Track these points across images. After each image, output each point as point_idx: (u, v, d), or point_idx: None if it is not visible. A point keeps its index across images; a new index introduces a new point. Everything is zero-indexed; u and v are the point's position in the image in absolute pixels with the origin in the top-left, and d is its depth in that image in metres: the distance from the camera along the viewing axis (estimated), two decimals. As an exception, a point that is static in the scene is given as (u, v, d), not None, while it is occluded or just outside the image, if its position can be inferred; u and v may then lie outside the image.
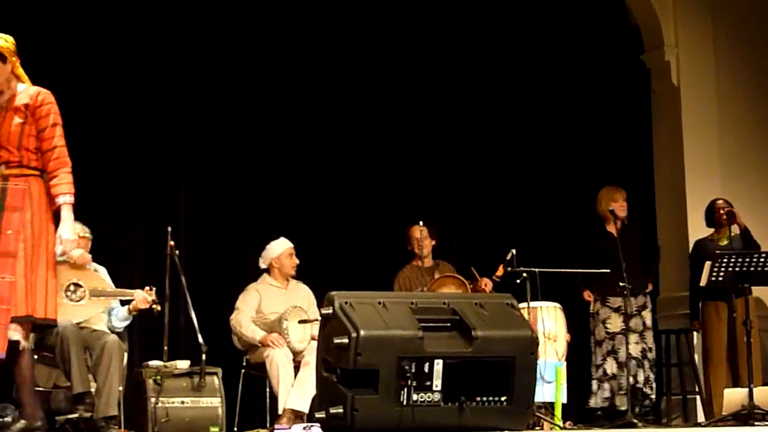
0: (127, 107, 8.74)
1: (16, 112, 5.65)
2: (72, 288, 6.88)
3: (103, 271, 7.21)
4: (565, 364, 7.88)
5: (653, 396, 8.69)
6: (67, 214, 5.61)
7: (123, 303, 7.31)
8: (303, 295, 8.27)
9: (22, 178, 5.61)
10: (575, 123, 10.00)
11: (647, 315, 8.65)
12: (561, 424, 7.35)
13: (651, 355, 8.62)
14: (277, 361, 7.70)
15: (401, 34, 9.63)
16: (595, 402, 8.54)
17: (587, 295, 8.65)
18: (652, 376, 8.58)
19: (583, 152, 9.97)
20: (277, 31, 9.27)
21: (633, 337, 8.45)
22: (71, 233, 5.61)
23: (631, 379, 8.31)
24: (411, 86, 9.66)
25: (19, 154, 5.62)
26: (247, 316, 8.01)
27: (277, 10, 9.23)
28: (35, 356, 6.79)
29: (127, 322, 7.29)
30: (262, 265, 8.32)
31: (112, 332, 7.02)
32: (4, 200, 5.54)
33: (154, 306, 7.14)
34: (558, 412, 7.37)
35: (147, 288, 7.19)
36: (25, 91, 5.69)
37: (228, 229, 9.04)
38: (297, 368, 7.78)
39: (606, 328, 8.54)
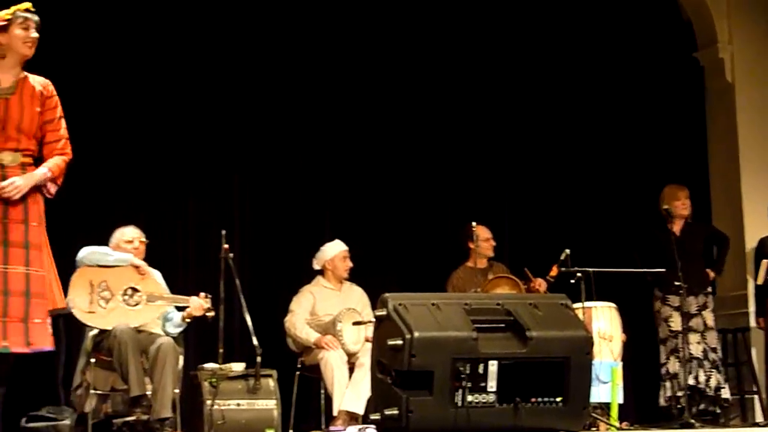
0: (181, 112, 8.80)
1: (32, 99, 5.59)
2: (129, 292, 6.94)
3: (158, 275, 7.26)
4: (620, 364, 7.83)
5: (727, 396, 8.58)
6: (38, 177, 5.58)
7: (178, 309, 7.36)
8: (357, 296, 8.29)
9: (32, 167, 5.59)
10: (629, 121, 9.94)
11: (708, 315, 8.57)
12: (617, 424, 7.31)
13: (713, 356, 8.53)
14: (332, 363, 7.71)
15: (458, 32, 9.64)
16: (661, 401, 8.49)
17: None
18: (715, 377, 8.48)
19: (638, 150, 9.91)
20: (327, 35, 9.30)
21: (694, 337, 8.40)
22: (20, 182, 5.49)
23: (691, 380, 8.25)
24: (464, 85, 9.66)
25: (33, 143, 5.60)
26: (301, 318, 8.03)
27: (327, 12, 9.26)
28: (92, 359, 6.87)
29: (181, 329, 7.32)
30: (316, 266, 8.35)
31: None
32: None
33: (208, 313, 7.18)
34: (614, 412, 7.33)
35: (203, 295, 7.23)
36: (31, 77, 5.63)
37: (282, 231, 9.07)
38: (351, 370, 7.79)
39: (669, 326, 8.49)
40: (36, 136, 5.60)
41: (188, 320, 7.26)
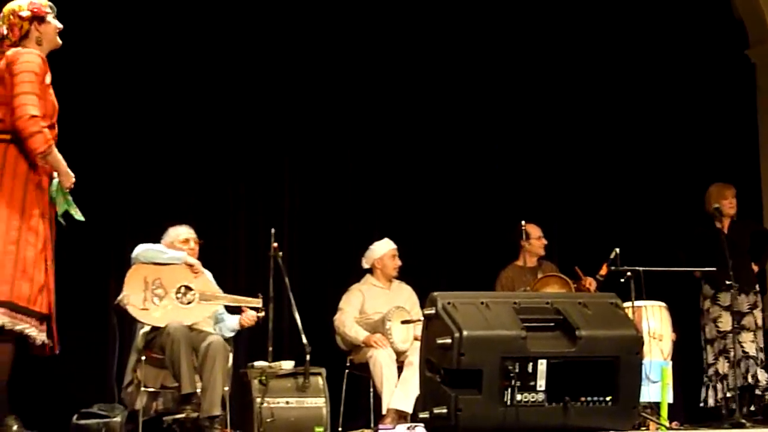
0: (232, 111, 8.85)
1: None
2: (183, 290, 6.98)
3: (208, 275, 7.31)
4: (670, 363, 7.79)
5: None
6: None
7: (228, 309, 7.41)
8: (406, 295, 8.29)
9: None
10: (679, 119, 9.87)
11: (758, 314, 8.52)
12: (667, 424, 7.27)
13: (762, 355, 8.47)
14: (381, 361, 7.72)
15: (511, 33, 9.62)
16: (708, 402, 8.43)
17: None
18: (763, 376, 8.42)
19: (688, 149, 9.84)
20: (375, 33, 9.31)
21: (747, 336, 8.35)
22: None
23: (749, 378, 8.20)
24: (513, 84, 9.64)
25: None
26: (350, 316, 8.05)
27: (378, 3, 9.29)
28: (143, 357, 6.93)
29: (234, 333, 7.39)
30: (365, 265, 8.37)
31: (220, 337, 7.12)
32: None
33: (258, 313, 7.22)
34: (664, 412, 7.29)
35: (255, 299, 7.26)
36: None
37: (331, 230, 9.11)
38: (400, 368, 7.79)
39: (717, 326, 8.43)
40: None
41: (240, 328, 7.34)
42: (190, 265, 7.06)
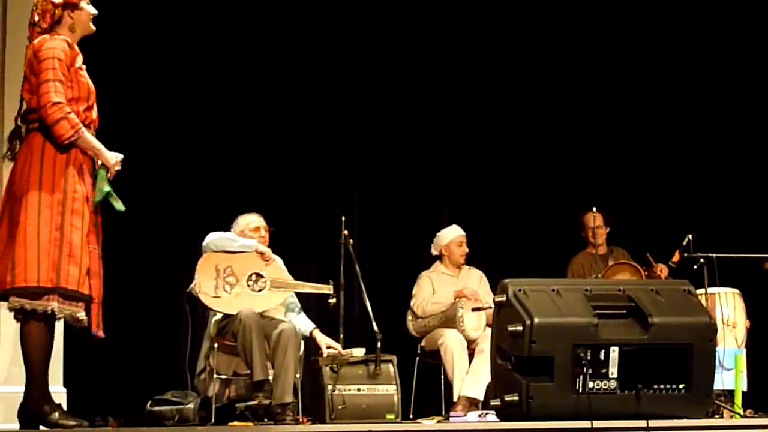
0: (300, 102, 8.89)
1: None
2: (254, 278, 7.02)
3: (279, 262, 7.34)
4: (744, 351, 7.71)
5: None
6: None
7: (300, 296, 7.45)
8: (475, 280, 8.27)
9: None
10: (753, 105, 9.71)
11: None
12: (741, 411, 7.19)
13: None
14: (452, 348, 7.71)
15: (571, 29, 9.55)
16: None
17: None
18: None
19: (763, 135, 9.69)
20: (437, 32, 9.31)
21: None
22: None
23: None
24: (583, 71, 9.56)
25: None
26: (426, 300, 8.06)
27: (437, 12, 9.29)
28: (216, 344, 6.98)
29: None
30: (434, 251, 8.37)
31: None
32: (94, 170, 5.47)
33: (330, 300, 7.24)
34: (738, 400, 7.21)
35: (326, 285, 7.28)
36: None
37: (401, 217, 9.11)
38: (471, 356, 7.78)
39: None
40: None
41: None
42: (261, 253, 7.10)
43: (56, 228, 5.15)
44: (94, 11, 5.48)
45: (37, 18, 5.38)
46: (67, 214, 5.19)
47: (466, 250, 8.31)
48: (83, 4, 5.43)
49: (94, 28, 5.50)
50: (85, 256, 5.22)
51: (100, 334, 5.37)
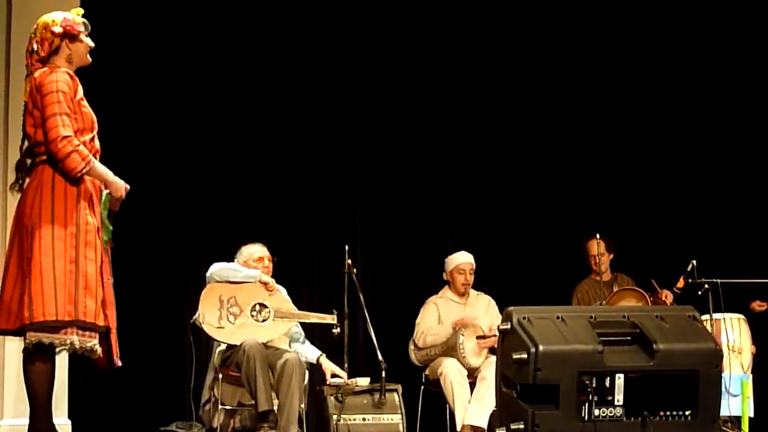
0: (302, 129, 8.91)
1: None
2: (257, 308, 7.03)
3: (282, 291, 7.34)
4: (751, 376, 7.69)
5: None
6: None
7: (304, 326, 7.44)
8: (483, 307, 8.24)
9: None
10: (757, 129, 9.71)
11: None
12: (748, 438, 7.18)
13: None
14: (450, 377, 7.69)
15: (576, 47, 9.57)
16: None
17: (757, 305, 8.40)
18: None
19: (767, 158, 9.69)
20: (441, 51, 9.32)
21: None
22: None
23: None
24: (586, 97, 9.56)
25: None
26: (426, 332, 8.04)
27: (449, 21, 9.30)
28: (220, 375, 6.97)
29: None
30: (444, 276, 8.35)
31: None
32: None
33: (334, 330, 7.24)
34: (745, 426, 7.20)
35: (330, 315, 7.27)
36: None
37: (404, 245, 9.10)
38: (474, 383, 7.76)
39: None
40: None
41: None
42: (265, 283, 7.10)
43: (71, 261, 5.15)
44: (91, 44, 5.48)
45: (35, 46, 5.37)
46: (81, 246, 5.18)
47: (470, 279, 8.26)
48: (82, 36, 5.43)
49: (91, 60, 5.50)
50: (99, 288, 5.22)
51: (119, 363, 5.37)
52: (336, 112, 9.02)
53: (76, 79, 5.38)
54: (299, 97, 8.91)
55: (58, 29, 5.35)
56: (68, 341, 5.10)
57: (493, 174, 9.38)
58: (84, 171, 5.21)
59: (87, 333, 5.15)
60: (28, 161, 5.37)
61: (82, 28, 5.43)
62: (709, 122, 9.66)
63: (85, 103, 5.39)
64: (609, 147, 9.61)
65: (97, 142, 5.43)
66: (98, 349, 5.21)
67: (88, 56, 5.49)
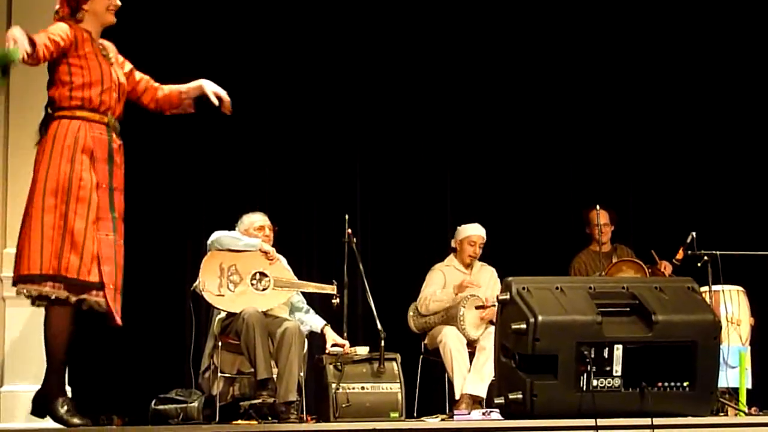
0: (302, 98, 8.89)
1: (122, 67, 5.63)
2: (258, 277, 7.03)
3: (283, 260, 7.35)
4: (749, 348, 7.70)
5: None
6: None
7: (305, 295, 7.45)
8: (486, 276, 8.24)
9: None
10: (754, 100, 9.69)
11: None
12: (746, 409, 7.19)
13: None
14: (450, 346, 7.70)
15: (579, 26, 9.55)
16: None
17: None
18: None
19: (766, 130, 9.67)
20: (447, 27, 9.30)
21: None
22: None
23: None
24: (586, 69, 9.55)
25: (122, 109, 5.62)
26: (430, 297, 8.04)
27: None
28: (219, 343, 6.99)
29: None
30: (452, 243, 8.34)
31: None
32: (113, 156, 5.47)
33: (333, 300, 7.24)
34: (742, 397, 7.22)
35: (330, 285, 7.28)
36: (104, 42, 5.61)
37: (404, 215, 9.11)
38: (473, 353, 7.77)
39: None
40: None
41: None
42: (265, 252, 7.10)
43: (60, 216, 5.20)
44: (112, 2, 5.48)
45: (57, 6, 5.44)
46: (72, 202, 5.22)
47: (478, 252, 8.24)
48: None
49: (114, 20, 5.50)
50: (90, 243, 5.23)
51: (118, 321, 5.38)
52: (336, 81, 9.00)
53: (86, 34, 5.39)
54: (299, 66, 8.89)
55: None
56: (53, 295, 5.16)
57: (494, 145, 9.37)
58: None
59: (72, 288, 5.18)
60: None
61: None
62: (710, 95, 9.65)
63: (94, 57, 5.39)
64: (609, 119, 9.60)
65: (112, 98, 5.42)
66: (100, 301, 5.24)
67: (109, 15, 5.48)
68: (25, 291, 5.20)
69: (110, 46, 5.62)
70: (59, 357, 5.30)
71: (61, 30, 5.28)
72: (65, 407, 5.28)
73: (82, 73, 5.33)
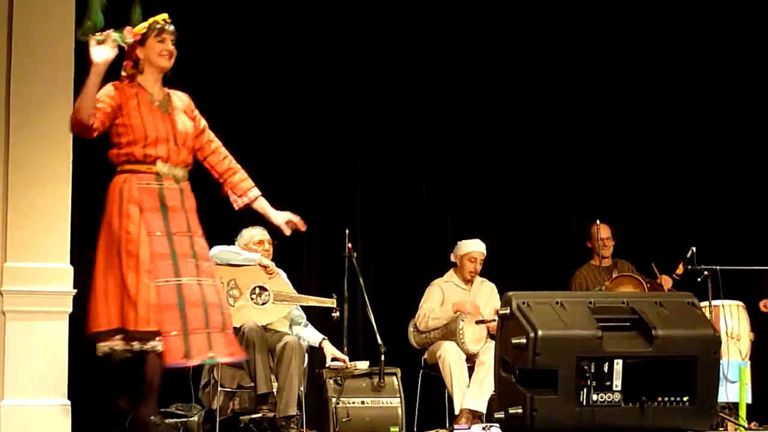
0: (303, 110, 8.89)
1: (183, 113, 5.61)
2: (257, 291, 7.04)
3: (282, 274, 7.35)
4: (749, 363, 7.70)
5: None
6: (266, 203, 5.85)
7: (304, 309, 7.45)
8: (486, 294, 8.25)
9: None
10: (755, 115, 9.70)
11: None
12: (746, 424, 7.19)
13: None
14: (449, 361, 7.70)
15: (586, 37, 9.57)
16: None
17: (763, 306, 8.37)
18: None
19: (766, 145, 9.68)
20: (445, 31, 9.31)
21: None
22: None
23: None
24: (585, 83, 9.56)
25: (191, 156, 5.64)
26: (429, 315, 8.04)
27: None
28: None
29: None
30: (452, 258, 8.34)
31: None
32: (185, 202, 5.56)
33: (333, 314, 7.25)
34: (742, 412, 7.21)
35: (330, 299, 7.29)
36: (171, 91, 5.62)
37: (404, 230, 9.11)
38: (472, 368, 7.77)
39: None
40: (190, 151, 5.62)
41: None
42: (265, 267, 7.11)
43: (117, 270, 5.26)
44: (163, 47, 5.45)
45: (124, 64, 5.49)
46: (123, 255, 5.26)
47: (479, 268, 8.24)
48: (150, 40, 5.44)
49: (167, 65, 5.47)
50: (146, 293, 5.23)
51: (185, 363, 5.45)
52: (336, 93, 9.00)
53: (135, 87, 5.43)
54: (298, 77, 8.87)
55: (130, 40, 5.37)
56: (119, 347, 5.28)
57: (494, 160, 9.38)
58: (76, 124, 5.25)
59: (135, 339, 5.24)
60: None
61: (146, 32, 5.42)
62: (710, 110, 9.66)
63: (138, 113, 5.40)
64: (610, 133, 9.61)
65: (157, 149, 5.42)
66: (157, 348, 5.27)
67: (163, 60, 5.45)
68: (98, 348, 5.31)
69: (180, 97, 5.63)
70: (154, 387, 5.51)
71: (106, 97, 5.33)
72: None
73: (126, 131, 5.35)
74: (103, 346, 5.26)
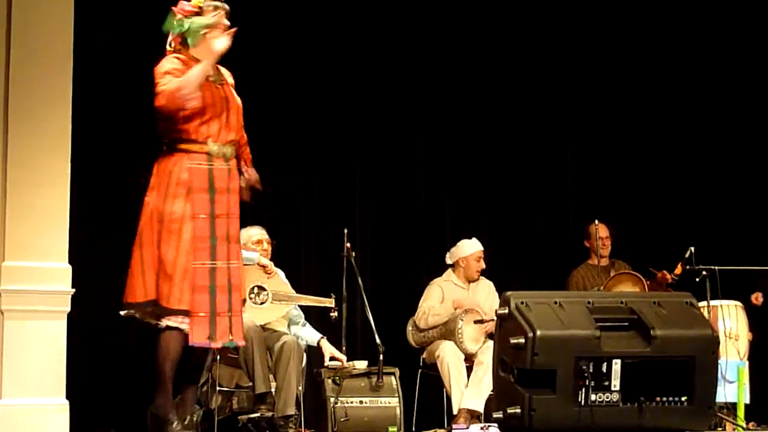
0: (302, 110, 8.88)
1: (234, 91, 5.69)
2: (256, 290, 7.04)
3: (281, 274, 7.35)
4: (747, 363, 7.71)
5: None
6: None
7: (302, 308, 7.45)
8: (484, 291, 8.25)
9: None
10: (754, 115, 9.71)
11: None
12: (744, 424, 7.19)
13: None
14: (448, 361, 7.70)
15: (586, 35, 9.57)
16: None
17: (754, 298, 8.39)
18: None
19: (765, 145, 9.68)
20: (443, 35, 9.31)
21: None
22: None
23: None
24: (584, 82, 9.57)
25: (239, 133, 5.71)
26: (429, 312, 8.04)
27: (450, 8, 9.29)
28: (218, 357, 6.99)
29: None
30: (449, 260, 8.33)
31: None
32: (230, 183, 5.57)
33: (332, 314, 7.25)
34: (741, 412, 7.21)
35: (328, 299, 7.29)
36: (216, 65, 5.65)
37: (403, 229, 9.11)
38: (471, 368, 7.77)
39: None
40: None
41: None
42: (263, 266, 7.11)
43: (157, 247, 5.37)
44: (214, 20, 5.54)
45: (170, 38, 5.56)
46: (164, 233, 5.36)
47: (483, 266, 8.29)
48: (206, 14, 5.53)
49: (220, 47, 5.51)
50: (181, 273, 5.34)
51: (241, 343, 5.58)
52: (335, 94, 8.99)
53: (193, 61, 5.46)
54: (297, 79, 8.87)
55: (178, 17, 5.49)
56: (147, 319, 5.43)
57: (493, 160, 9.39)
58: (171, 103, 5.31)
59: (165, 315, 5.36)
60: None
61: (201, 7, 5.51)
62: (709, 110, 9.66)
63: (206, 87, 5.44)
64: (608, 133, 9.62)
65: (212, 127, 5.47)
66: (184, 328, 5.35)
67: (214, 40, 5.50)
68: (131, 314, 5.46)
69: (228, 73, 5.73)
70: (170, 374, 5.48)
71: (175, 70, 5.39)
72: (177, 425, 5.50)
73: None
74: (129, 312, 5.43)
